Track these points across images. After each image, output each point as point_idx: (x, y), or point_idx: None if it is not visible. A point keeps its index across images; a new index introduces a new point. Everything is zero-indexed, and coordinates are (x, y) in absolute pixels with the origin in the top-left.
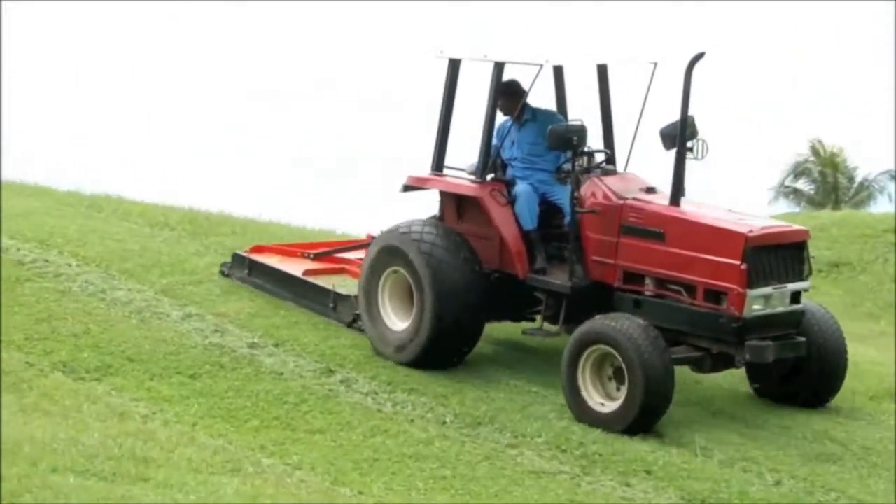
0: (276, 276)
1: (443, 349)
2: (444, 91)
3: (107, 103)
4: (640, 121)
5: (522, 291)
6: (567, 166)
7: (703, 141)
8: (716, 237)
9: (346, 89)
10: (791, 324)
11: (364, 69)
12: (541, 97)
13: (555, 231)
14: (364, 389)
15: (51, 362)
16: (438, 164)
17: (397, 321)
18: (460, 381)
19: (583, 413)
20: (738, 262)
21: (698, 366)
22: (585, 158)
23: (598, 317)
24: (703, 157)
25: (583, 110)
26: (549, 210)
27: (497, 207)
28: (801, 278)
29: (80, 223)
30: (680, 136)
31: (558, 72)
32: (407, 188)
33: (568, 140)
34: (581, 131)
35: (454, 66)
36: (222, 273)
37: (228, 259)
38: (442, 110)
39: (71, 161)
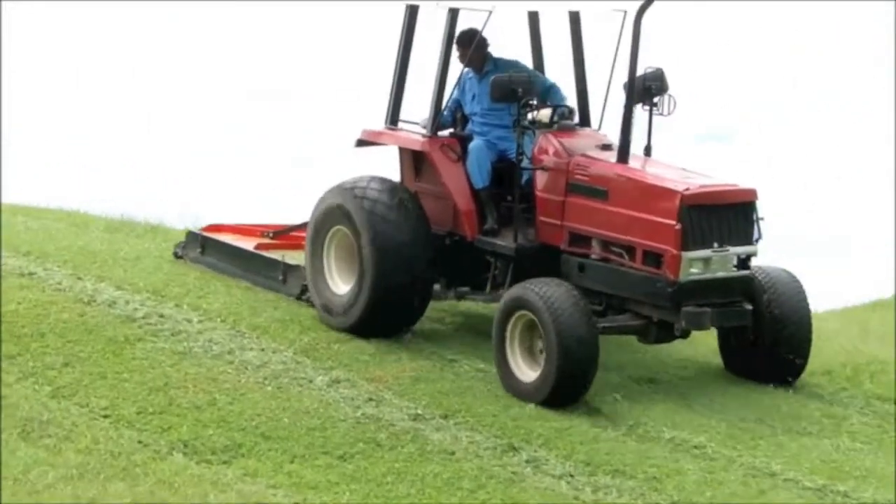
0: (228, 252)
1: (385, 314)
2: (400, 39)
3: (105, 106)
4: (612, 74)
5: (475, 255)
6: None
7: (672, 97)
8: (653, 195)
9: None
10: (735, 290)
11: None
12: (513, 48)
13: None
14: (556, 471)
15: (169, 441)
16: (393, 118)
17: (342, 284)
18: (678, 460)
19: (509, 384)
20: (672, 222)
21: (642, 335)
22: (546, 113)
23: (525, 281)
24: (669, 113)
25: (562, 64)
26: (508, 169)
27: (447, 164)
28: (747, 242)
29: (199, 270)
30: (629, 88)
31: (533, 20)
32: (360, 143)
33: (512, 91)
34: (527, 82)
35: (411, 12)
36: (175, 255)
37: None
38: (398, 60)
39: (79, 174)
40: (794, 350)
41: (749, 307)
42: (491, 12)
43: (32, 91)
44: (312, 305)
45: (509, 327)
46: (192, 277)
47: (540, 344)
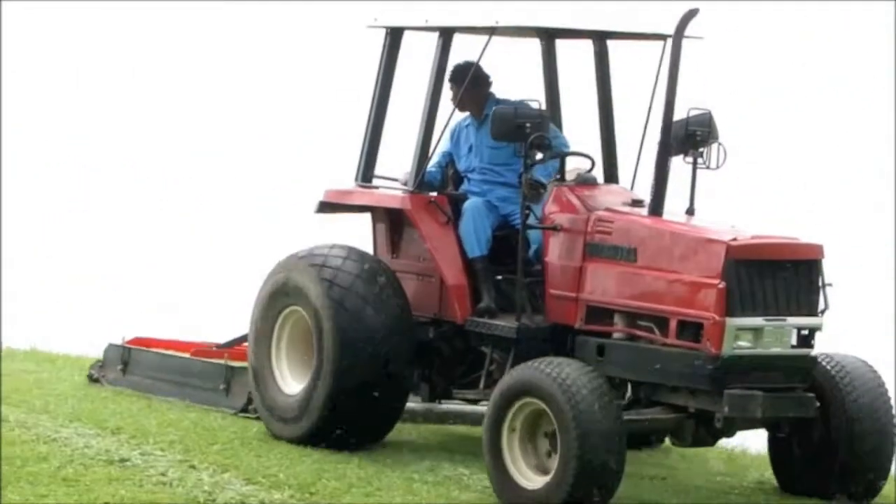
0: (158, 363)
1: (343, 421)
2: (378, 74)
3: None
4: (648, 119)
5: (466, 349)
6: (535, 174)
7: (722, 145)
8: (692, 249)
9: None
10: (794, 372)
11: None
12: (525, 89)
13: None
14: None
15: None
16: (366, 174)
17: (292, 381)
18: None
19: (508, 493)
20: (715, 281)
21: (676, 434)
22: (557, 164)
23: (532, 361)
24: (718, 166)
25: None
26: (512, 237)
27: (433, 226)
28: (809, 311)
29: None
30: (664, 125)
31: (549, 48)
32: (323, 206)
33: (518, 127)
34: (538, 117)
35: (392, 37)
36: (90, 378)
37: None
38: (374, 99)
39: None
40: (870, 463)
41: (811, 395)
42: (491, 35)
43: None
44: (259, 419)
45: (508, 419)
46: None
47: (547, 443)
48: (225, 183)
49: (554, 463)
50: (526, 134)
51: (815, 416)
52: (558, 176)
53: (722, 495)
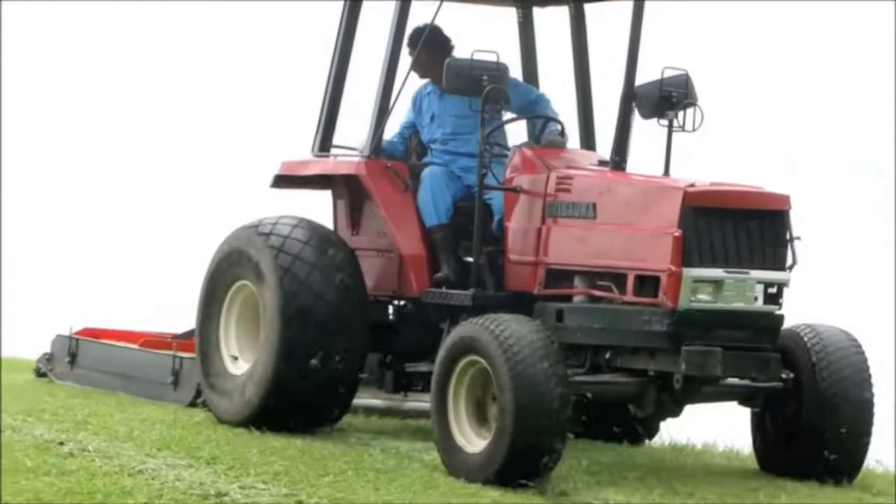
0: (105, 355)
1: (289, 403)
2: (337, 41)
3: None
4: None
5: (425, 326)
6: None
7: (699, 107)
8: (650, 199)
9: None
10: (760, 331)
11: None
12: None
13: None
14: None
15: None
16: (324, 143)
17: (241, 360)
18: None
19: (449, 456)
20: (671, 229)
21: (637, 402)
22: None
23: (481, 317)
24: (694, 129)
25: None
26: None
27: (389, 192)
28: (775, 265)
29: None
30: (626, 76)
31: (525, 18)
32: (279, 180)
33: (474, 80)
34: (495, 69)
35: (353, 1)
36: (37, 372)
37: None
38: (332, 67)
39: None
40: (849, 439)
41: (776, 355)
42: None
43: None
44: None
45: (454, 378)
46: None
47: (495, 409)
48: (177, 167)
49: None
50: (482, 87)
51: (781, 382)
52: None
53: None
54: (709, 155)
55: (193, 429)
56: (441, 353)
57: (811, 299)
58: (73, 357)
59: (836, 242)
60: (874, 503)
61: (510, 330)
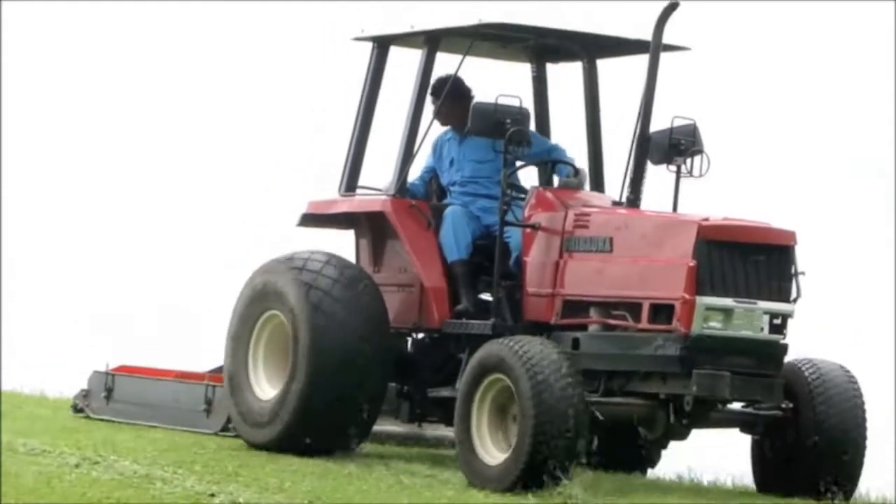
0: (141, 389)
1: (315, 427)
2: (364, 85)
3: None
4: (636, 131)
5: (445, 357)
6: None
7: (705, 155)
8: (665, 232)
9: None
10: (765, 358)
11: None
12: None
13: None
14: None
15: None
16: (350, 183)
17: (268, 387)
18: None
19: (470, 467)
20: (686, 260)
21: (647, 424)
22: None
23: (501, 338)
24: (702, 174)
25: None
26: (493, 247)
27: (413, 230)
28: (780, 297)
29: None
30: (642, 122)
31: (539, 68)
32: (306, 219)
33: (498, 123)
34: (518, 113)
35: (380, 49)
36: (74, 408)
37: None
38: (359, 111)
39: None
40: (841, 466)
41: (781, 381)
42: (471, 43)
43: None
44: (238, 436)
45: (478, 395)
46: None
47: (515, 427)
48: (204, 203)
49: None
50: (505, 130)
51: (781, 410)
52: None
53: None
54: (712, 190)
55: (344, 479)
56: (467, 371)
57: (812, 301)
58: (110, 392)
59: (836, 242)
60: None
61: (533, 350)
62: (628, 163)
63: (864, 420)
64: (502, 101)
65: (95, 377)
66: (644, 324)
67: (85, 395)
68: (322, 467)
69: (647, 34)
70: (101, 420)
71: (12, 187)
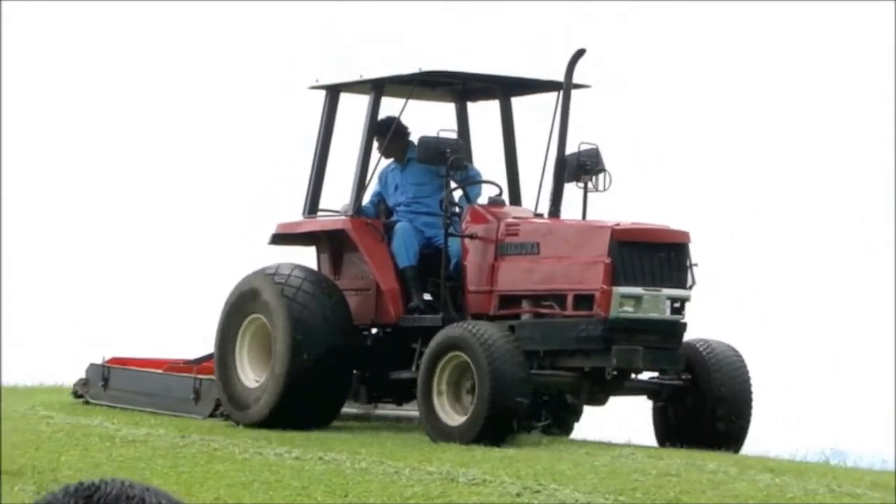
0: (136, 379)
1: (293, 413)
2: (321, 125)
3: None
4: (547, 153)
5: (400, 348)
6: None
7: (608, 173)
8: (584, 237)
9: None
10: (669, 335)
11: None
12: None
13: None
14: None
15: None
16: (312, 207)
17: (252, 376)
18: None
19: (433, 428)
20: (603, 258)
21: (574, 391)
22: (477, 190)
23: (457, 323)
24: (605, 189)
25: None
26: (435, 255)
27: (370, 243)
28: (679, 285)
29: None
30: (559, 147)
31: (461, 107)
32: (276, 238)
33: (440, 153)
34: (456, 145)
35: (332, 95)
36: (75, 395)
37: None
38: (317, 147)
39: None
40: (732, 428)
41: (682, 353)
42: (412, 91)
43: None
44: (226, 418)
45: (438, 370)
46: None
47: (470, 397)
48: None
49: (470, 406)
50: (446, 157)
51: (684, 380)
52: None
53: None
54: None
55: None
56: (428, 351)
57: (810, 298)
58: (106, 381)
59: (837, 242)
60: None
61: (486, 332)
62: (541, 182)
63: (750, 390)
64: (443, 135)
65: (93, 368)
66: (569, 311)
67: (84, 383)
68: None
69: (550, 74)
70: (100, 405)
71: None
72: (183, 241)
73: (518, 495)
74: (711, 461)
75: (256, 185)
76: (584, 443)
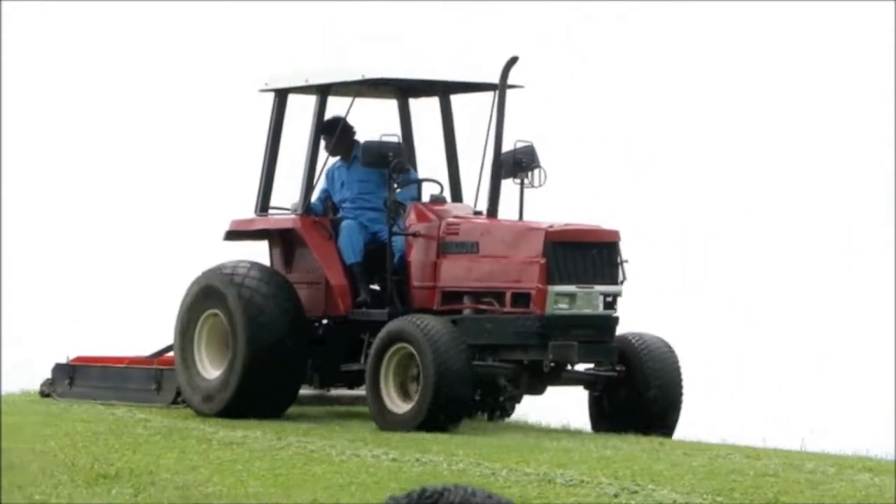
0: (100, 375)
1: (252, 402)
2: (270, 127)
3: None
4: (485, 152)
5: (349, 339)
6: (398, 197)
7: (543, 170)
8: (520, 237)
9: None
10: (602, 329)
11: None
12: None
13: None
14: None
15: None
16: (264, 205)
17: (211, 369)
18: None
19: (381, 416)
20: (538, 258)
21: (514, 382)
22: (415, 189)
23: (403, 317)
24: (540, 185)
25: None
26: (380, 250)
27: (319, 241)
28: (611, 281)
29: None
30: (495, 148)
31: (403, 103)
32: (230, 235)
33: (382, 156)
34: (398, 148)
35: (280, 99)
36: (42, 394)
37: None
38: (267, 148)
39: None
40: (664, 416)
41: (615, 346)
42: (356, 94)
43: None
44: (186, 406)
45: (385, 360)
46: None
47: (415, 386)
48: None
49: (415, 394)
50: (389, 160)
51: (618, 371)
52: (415, 196)
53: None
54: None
55: None
56: (376, 342)
57: (809, 298)
58: (72, 379)
59: (836, 242)
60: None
61: (431, 325)
62: (480, 179)
63: (680, 380)
64: (385, 138)
65: (58, 368)
66: (508, 308)
67: (51, 382)
68: None
69: (487, 77)
70: (67, 402)
71: None
72: (138, 239)
73: (615, 496)
74: (809, 461)
75: (211, 184)
76: (682, 443)
